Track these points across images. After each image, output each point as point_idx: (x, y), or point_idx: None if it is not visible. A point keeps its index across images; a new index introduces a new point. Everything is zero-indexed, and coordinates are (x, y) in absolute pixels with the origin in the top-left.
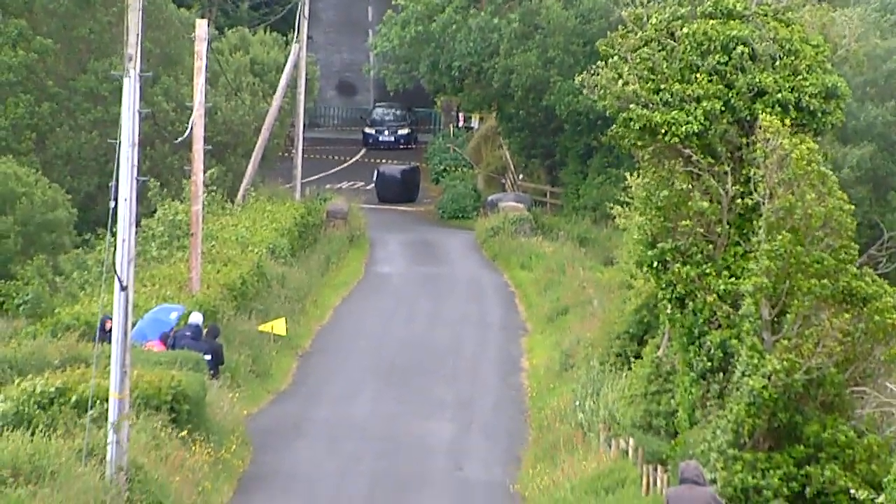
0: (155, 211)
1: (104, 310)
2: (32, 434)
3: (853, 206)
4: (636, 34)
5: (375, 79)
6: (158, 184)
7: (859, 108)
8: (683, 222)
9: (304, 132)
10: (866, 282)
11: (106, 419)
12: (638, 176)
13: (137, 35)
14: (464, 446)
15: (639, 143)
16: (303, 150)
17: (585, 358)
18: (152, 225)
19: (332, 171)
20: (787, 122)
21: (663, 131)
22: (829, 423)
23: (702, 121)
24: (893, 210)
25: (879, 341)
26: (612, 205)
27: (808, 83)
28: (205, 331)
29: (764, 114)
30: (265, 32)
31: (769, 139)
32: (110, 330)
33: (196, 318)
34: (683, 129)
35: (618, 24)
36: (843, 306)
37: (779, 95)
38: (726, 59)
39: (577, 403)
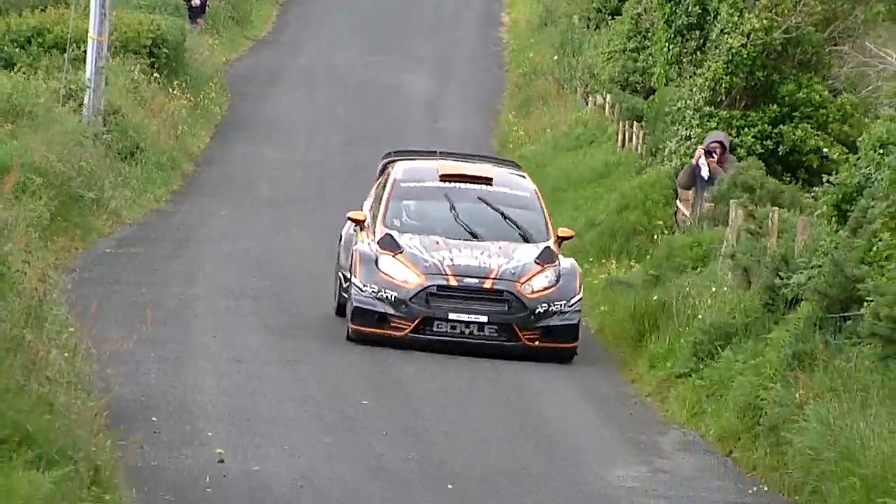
0: None
1: None
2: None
3: None
4: None
5: None
6: None
7: None
8: None
9: None
10: None
11: (84, 61)
12: None
13: None
14: (441, 99)
15: None
16: None
17: (566, 13)
18: None
19: None
20: None
21: None
22: (805, 82)
23: None
24: None
25: (861, 0)
26: None
27: None
28: None
29: None
30: None
31: None
32: None
33: None
34: None
35: None
36: None
37: None
38: None
39: (556, 59)
